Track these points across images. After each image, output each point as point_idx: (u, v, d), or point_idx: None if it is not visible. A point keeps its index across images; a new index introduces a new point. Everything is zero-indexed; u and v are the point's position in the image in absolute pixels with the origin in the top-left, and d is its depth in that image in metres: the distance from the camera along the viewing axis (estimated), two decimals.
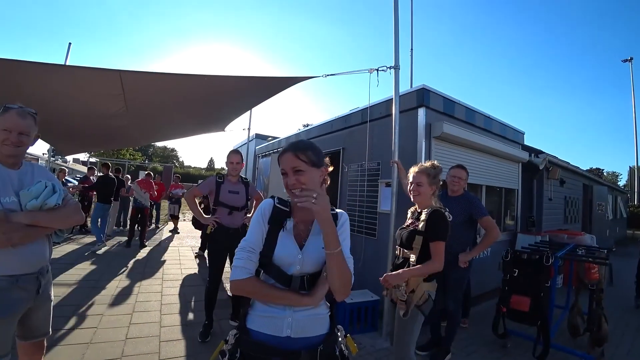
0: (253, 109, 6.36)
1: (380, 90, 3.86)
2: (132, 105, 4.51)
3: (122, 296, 4.05)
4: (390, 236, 3.28)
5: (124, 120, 5.19)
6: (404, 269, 2.02)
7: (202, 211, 3.30)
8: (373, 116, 4.20)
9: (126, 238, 7.30)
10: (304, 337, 1.16)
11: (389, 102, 3.85)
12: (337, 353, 1.21)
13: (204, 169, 55.87)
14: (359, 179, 4.56)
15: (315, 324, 1.20)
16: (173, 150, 67.17)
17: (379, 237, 4.06)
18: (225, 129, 6.87)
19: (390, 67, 3.47)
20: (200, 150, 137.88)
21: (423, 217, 2.03)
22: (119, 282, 4.55)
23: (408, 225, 2.17)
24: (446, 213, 2.04)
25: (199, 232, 6.81)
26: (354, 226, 4.52)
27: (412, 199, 2.21)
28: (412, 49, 6.73)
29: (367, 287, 3.78)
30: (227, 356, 1.16)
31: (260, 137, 9.34)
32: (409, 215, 2.28)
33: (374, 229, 4.17)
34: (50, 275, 1.84)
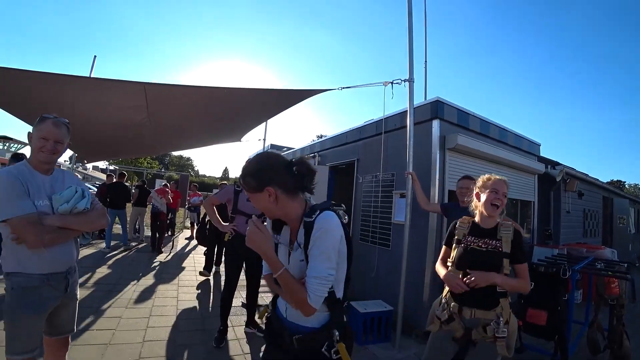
0: (268, 120, 6.50)
1: (394, 102, 3.92)
2: (154, 116, 4.69)
3: (139, 300, 4.15)
4: (405, 247, 3.30)
5: (145, 130, 5.39)
6: (496, 274, 1.79)
7: (220, 219, 3.38)
8: (387, 128, 4.25)
9: (143, 244, 7.51)
10: (294, 323, 1.29)
11: (403, 114, 3.90)
12: (324, 350, 1.23)
13: (218, 178, 56.61)
14: (373, 190, 4.59)
15: (304, 317, 1.23)
16: (188, 159, 68.61)
17: (393, 247, 4.07)
18: (242, 139, 7.02)
19: (404, 80, 3.52)
20: (215, 159, 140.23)
21: (506, 236, 1.86)
22: (135, 287, 4.66)
23: (481, 246, 1.90)
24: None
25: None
26: (367, 236, 4.54)
27: (488, 211, 1.94)
28: (426, 61, 6.78)
29: (380, 297, 3.78)
30: (264, 318, 1.48)
31: (275, 148, 9.48)
32: (460, 230, 2.03)
33: (387, 239, 4.18)
34: (77, 275, 1.95)
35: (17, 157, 4.07)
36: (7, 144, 31.56)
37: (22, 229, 1.56)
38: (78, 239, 1.92)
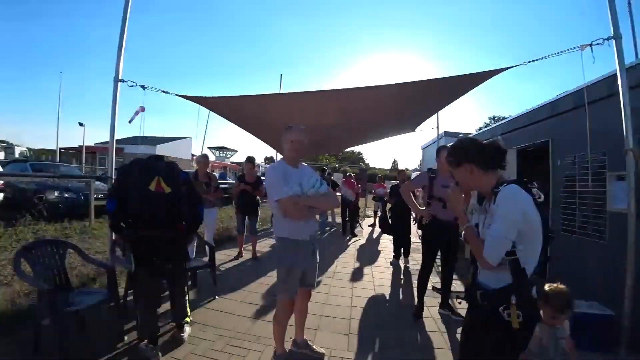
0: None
1: (592, 69, 3.22)
2: (343, 117, 5.45)
3: (342, 274, 5.05)
4: (630, 240, 2.73)
5: (335, 131, 6.34)
6: None
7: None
8: (589, 99, 3.56)
9: (334, 229, 8.97)
10: (483, 282, 1.54)
11: (608, 80, 3.28)
12: (501, 309, 1.39)
13: (387, 169, 58.13)
14: (578, 173, 3.92)
15: (491, 278, 1.48)
16: (359, 153, 73.04)
17: (609, 240, 3.40)
18: (416, 130, 7.21)
19: (608, 38, 2.93)
20: (383, 151, 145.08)
21: None
22: (336, 264, 5.66)
23: None
24: None
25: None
26: (572, 227, 3.95)
27: None
28: (630, 3, 5.13)
29: (593, 298, 3.22)
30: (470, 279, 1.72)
31: (449, 135, 9.19)
32: None
33: (601, 230, 3.50)
34: (317, 243, 2.58)
35: (250, 159, 5.79)
36: (225, 153, 42.90)
37: (288, 207, 2.26)
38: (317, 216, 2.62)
